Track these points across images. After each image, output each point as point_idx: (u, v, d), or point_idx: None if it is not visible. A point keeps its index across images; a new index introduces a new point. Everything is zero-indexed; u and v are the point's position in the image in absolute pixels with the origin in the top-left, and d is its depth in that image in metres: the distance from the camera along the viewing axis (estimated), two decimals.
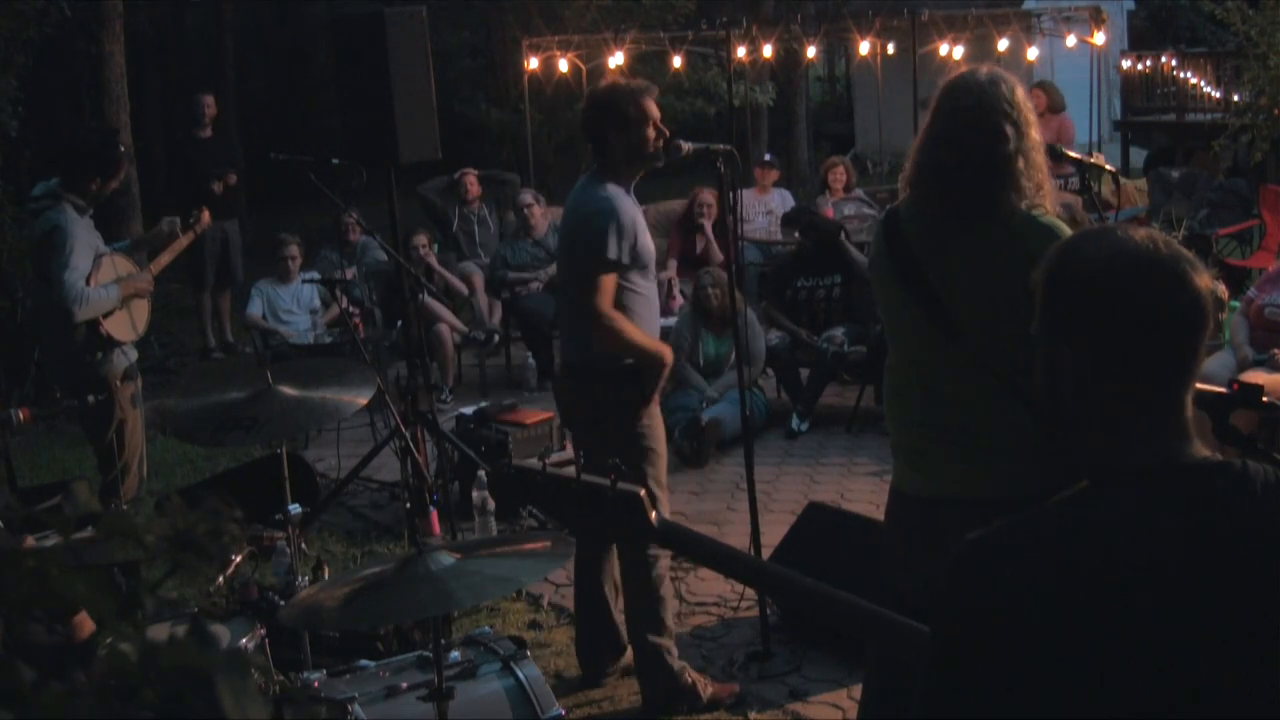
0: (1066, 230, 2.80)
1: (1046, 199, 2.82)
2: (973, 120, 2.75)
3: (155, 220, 10.25)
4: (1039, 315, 1.53)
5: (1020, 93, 2.80)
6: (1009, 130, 2.74)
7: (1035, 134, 2.80)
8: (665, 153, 4.00)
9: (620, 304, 3.93)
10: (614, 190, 3.93)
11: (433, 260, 8.91)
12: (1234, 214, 11.13)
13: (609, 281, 3.87)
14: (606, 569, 4.30)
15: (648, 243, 4.01)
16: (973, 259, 2.78)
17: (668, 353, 4.00)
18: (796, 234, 8.06)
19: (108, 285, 4.91)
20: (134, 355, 5.10)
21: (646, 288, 4.03)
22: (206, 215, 5.74)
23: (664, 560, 4.12)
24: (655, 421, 4.06)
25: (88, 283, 4.81)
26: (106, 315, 4.89)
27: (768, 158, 11.25)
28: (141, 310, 5.16)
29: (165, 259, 5.58)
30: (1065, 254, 1.53)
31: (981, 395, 2.78)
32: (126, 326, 4.99)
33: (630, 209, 3.94)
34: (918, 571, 2.86)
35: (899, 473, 2.99)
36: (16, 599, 0.92)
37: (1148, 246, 1.47)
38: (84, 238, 4.83)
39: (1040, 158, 2.81)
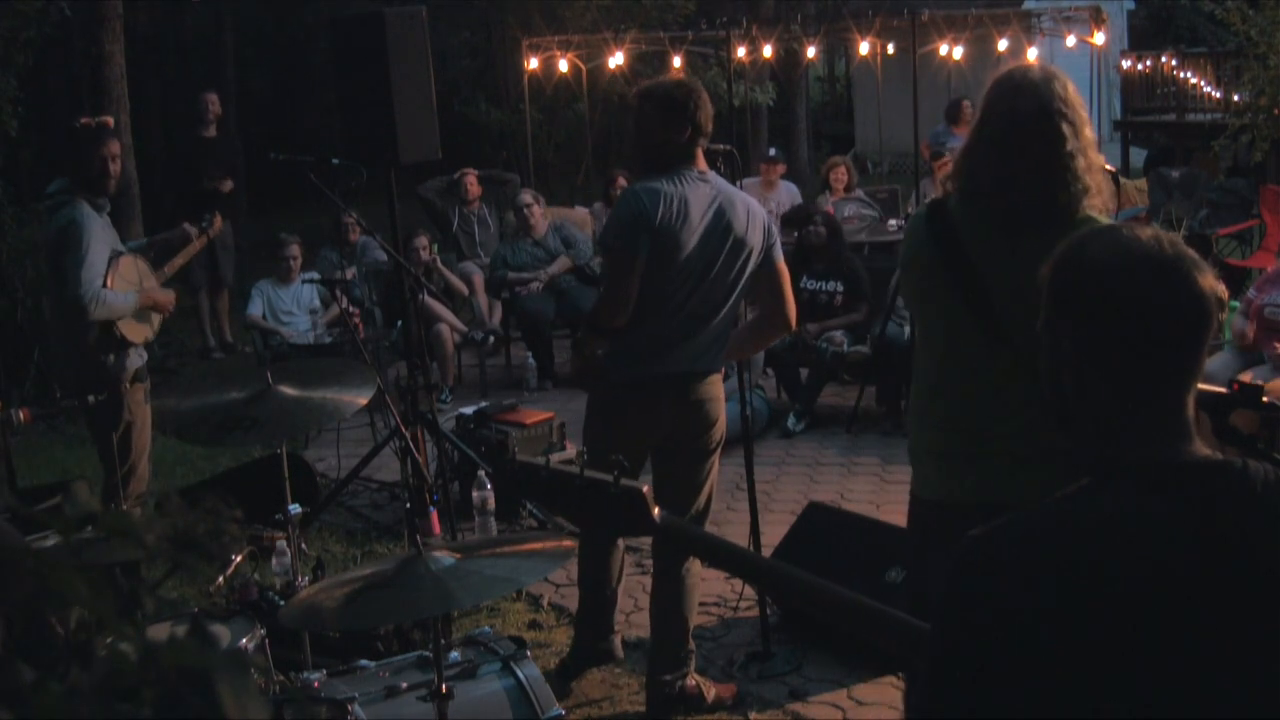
0: None
1: (1103, 197, 2.77)
2: (1033, 123, 2.69)
3: (154, 219, 10.27)
4: (1044, 312, 1.54)
5: (1073, 90, 2.74)
6: (1067, 130, 2.69)
7: (1089, 132, 2.74)
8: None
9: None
10: None
11: (436, 261, 8.90)
12: (1234, 214, 11.13)
13: None
14: (617, 558, 4.31)
15: None
16: (1030, 262, 2.74)
17: None
18: (795, 234, 8.07)
19: (127, 293, 4.90)
20: (145, 356, 5.09)
21: None
22: (219, 220, 5.76)
23: (698, 564, 4.12)
24: None
25: (106, 281, 4.80)
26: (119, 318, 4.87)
27: (772, 152, 11.20)
28: (156, 315, 5.16)
29: (179, 262, 5.60)
30: (1071, 252, 1.53)
31: (1029, 399, 2.72)
32: (140, 328, 4.97)
33: None
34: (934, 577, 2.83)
35: (926, 479, 2.89)
36: (17, 599, 0.92)
37: (1153, 246, 1.47)
38: (100, 235, 4.80)
39: (1095, 156, 2.74)
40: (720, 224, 3.83)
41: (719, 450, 4.07)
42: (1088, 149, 2.72)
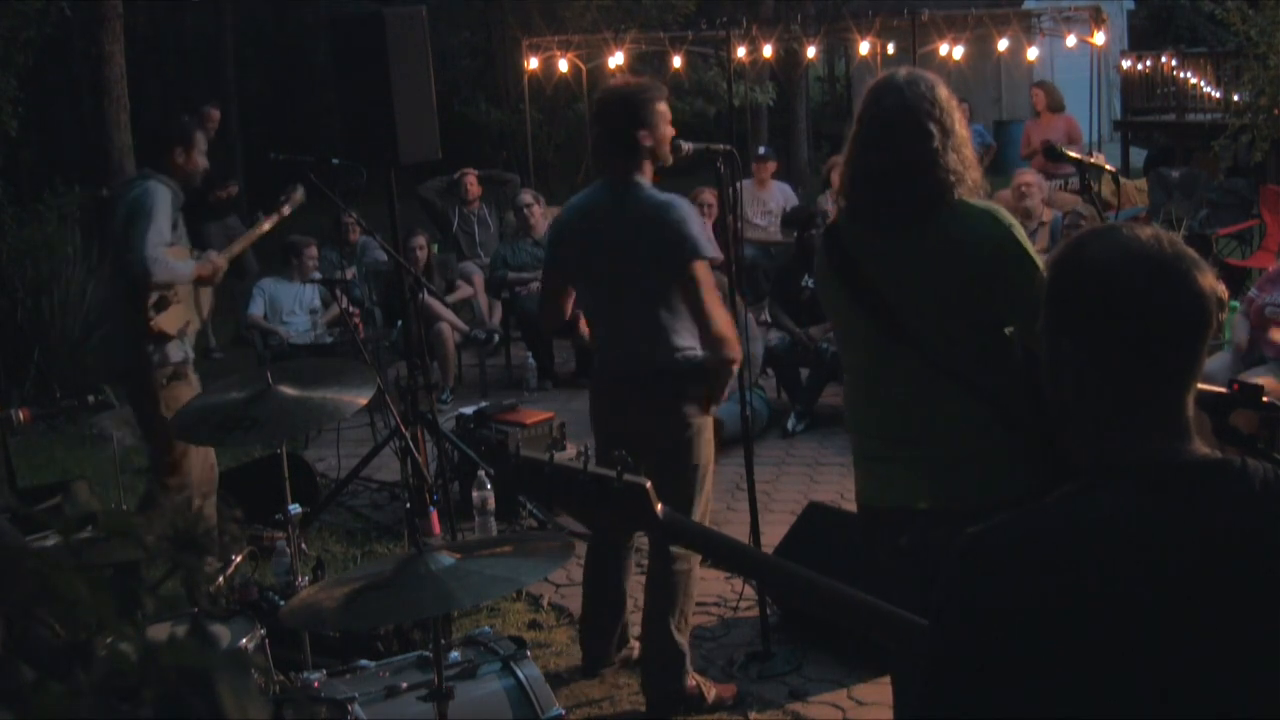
0: (1004, 214, 2.80)
1: (978, 195, 2.81)
2: (897, 121, 2.75)
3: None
4: (1044, 311, 1.54)
5: (942, 90, 2.79)
6: (933, 127, 2.73)
7: (961, 130, 2.79)
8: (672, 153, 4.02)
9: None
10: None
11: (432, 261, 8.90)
12: (1234, 214, 11.12)
13: (712, 278, 3.91)
14: (626, 565, 4.32)
15: None
16: (913, 258, 2.77)
17: (739, 349, 3.97)
18: (796, 234, 8.07)
19: (185, 261, 4.90)
20: (186, 352, 4.98)
21: None
22: (298, 194, 5.57)
23: (695, 559, 4.11)
24: (710, 432, 4.06)
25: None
26: (162, 309, 4.85)
27: (762, 151, 11.16)
28: (205, 299, 5.12)
29: (238, 248, 5.57)
30: (1072, 251, 1.54)
31: (937, 400, 2.75)
32: (176, 320, 4.92)
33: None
34: (888, 581, 2.84)
35: (859, 484, 2.96)
36: (17, 599, 0.92)
37: (1153, 245, 1.47)
38: (167, 212, 4.82)
39: (969, 153, 2.79)
40: (616, 235, 3.90)
41: (697, 455, 3.99)
42: (960, 146, 2.76)
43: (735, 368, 3.95)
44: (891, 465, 2.84)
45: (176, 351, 4.91)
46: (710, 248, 3.89)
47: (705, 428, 4.02)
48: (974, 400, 2.70)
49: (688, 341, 3.94)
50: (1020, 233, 2.75)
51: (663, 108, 3.93)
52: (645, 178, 3.93)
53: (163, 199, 4.79)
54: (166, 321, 4.84)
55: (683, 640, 4.09)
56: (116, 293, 4.91)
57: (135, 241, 4.70)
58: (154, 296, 4.81)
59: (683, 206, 3.91)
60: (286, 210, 5.48)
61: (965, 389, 2.71)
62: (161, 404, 4.83)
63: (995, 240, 2.71)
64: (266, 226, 5.52)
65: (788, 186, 11.02)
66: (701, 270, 3.84)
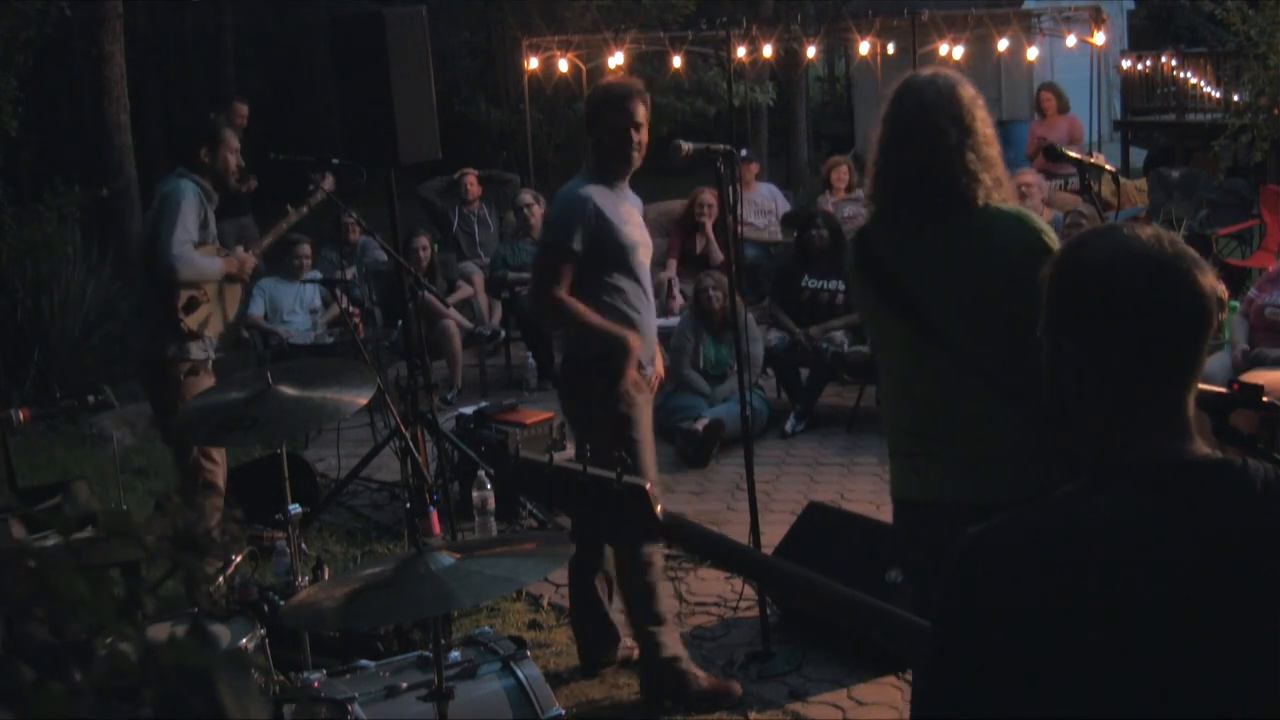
0: (1033, 217, 2.81)
1: (1005, 192, 2.82)
2: (914, 121, 2.76)
3: None
4: (1044, 312, 1.54)
5: (964, 90, 2.78)
6: (950, 127, 2.74)
7: (985, 129, 2.78)
8: (645, 155, 4.09)
9: (599, 299, 4.02)
10: (589, 185, 4.04)
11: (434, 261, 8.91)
12: (1234, 214, 11.13)
13: (557, 268, 4.01)
14: (599, 564, 4.35)
15: (628, 239, 4.05)
16: (942, 259, 2.78)
17: (631, 337, 4.04)
18: (795, 234, 8.07)
19: (213, 258, 4.93)
20: (207, 350, 5.02)
21: (629, 285, 4.09)
22: (328, 180, 5.59)
23: (655, 549, 4.15)
24: (636, 411, 4.09)
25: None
26: (192, 310, 4.86)
27: (744, 153, 11.16)
28: (232, 298, 5.13)
29: (267, 241, 5.58)
30: (1072, 251, 1.54)
31: (968, 399, 2.76)
32: (199, 318, 4.93)
33: (599, 204, 4.01)
34: (917, 574, 2.87)
35: (894, 478, 2.99)
36: (17, 599, 0.92)
37: (1154, 245, 1.47)
38: (194, 210, 4.85)
39: (993, 152, 2.79)
40: None
41: (622, 426, 4.04)
42: (980, 145, 2.76)
43: (628, 348, 4.01)
44: (923, 461, 2.86)
45: (198, 349, 4.95)
46: (557, 237, 4.03)
47: (624, 421, 4.05)
48: (1003, 399, 2.71)
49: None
50: (1051, 237, 2.76)
51: (613, 111, 4.02)
52: (594, 173, 4.09)
53: (190, 197, 4.84)
54: (192, 319, 4.89)
55: (654, 629, 4.13)
56: (144, 285, 4.94)
57: (161, 240, 4.77)
58: (183, 298, 4.85)
59: (557, 201, 4.18)
60: (315, 200, 5.58)
61: (994, 388, 2.71)
62: (183, 395, 4.84)
63: (1025, 244, 2.72)
64: (294, 218, 5.60)
65: (773, 186, 11.02)
66: (549, 267, 4.03)
